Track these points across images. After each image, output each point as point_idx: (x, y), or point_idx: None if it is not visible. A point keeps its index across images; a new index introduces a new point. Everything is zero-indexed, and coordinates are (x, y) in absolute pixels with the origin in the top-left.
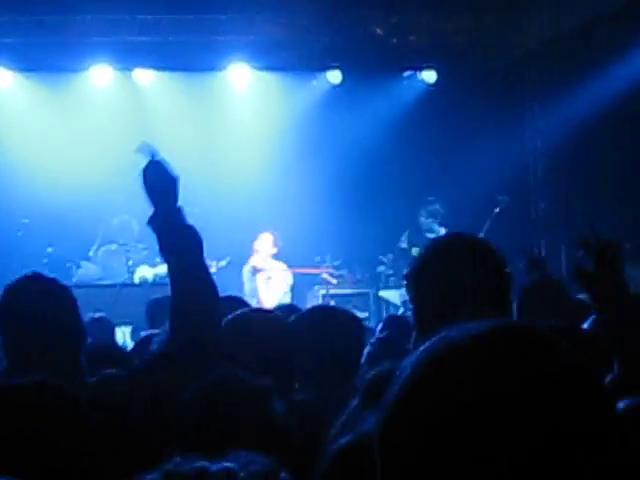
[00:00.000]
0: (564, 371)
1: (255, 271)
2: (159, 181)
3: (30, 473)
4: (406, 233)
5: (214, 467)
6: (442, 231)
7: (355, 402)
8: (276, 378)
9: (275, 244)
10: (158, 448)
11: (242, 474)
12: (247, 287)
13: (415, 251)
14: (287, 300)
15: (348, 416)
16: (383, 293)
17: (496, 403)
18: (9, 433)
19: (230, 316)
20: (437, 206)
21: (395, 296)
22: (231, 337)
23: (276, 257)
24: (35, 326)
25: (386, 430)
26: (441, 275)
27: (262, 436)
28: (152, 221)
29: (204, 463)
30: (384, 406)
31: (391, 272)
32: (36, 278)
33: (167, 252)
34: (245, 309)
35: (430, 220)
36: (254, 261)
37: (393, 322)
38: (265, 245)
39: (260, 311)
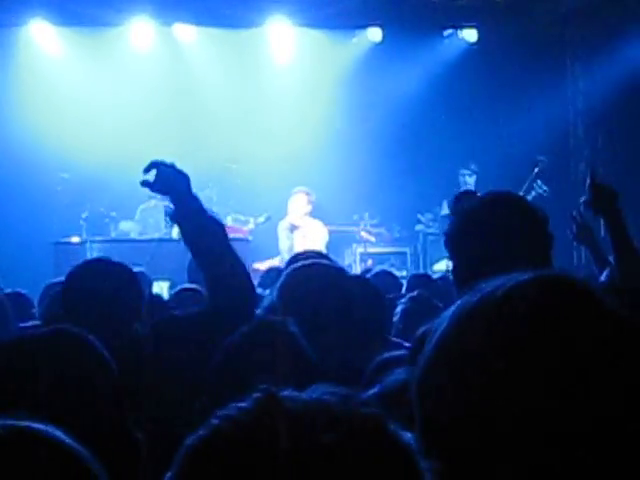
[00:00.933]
0: (612, 323)
1: (292, 228)
2: (171, 177)
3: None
4: (446, 200)
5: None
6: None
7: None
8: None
9: (309, 202)
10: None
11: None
12: (283, 244)
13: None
14: None
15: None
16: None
17: (535, 350)
18: (26, 379)
19: (289, 269)
20: (473, 166)
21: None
22: (291, 291)
23: (313, 215)
24: (98, 310)
25: (426, 377)
26: (482, 231)
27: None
28: (174, 216)
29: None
30: (424, 355)
31: (430, 231)
32: (100, 262)
33: (191, 240)
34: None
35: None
36: (290, 219)
37: (419, 280)
38: (299, 204)
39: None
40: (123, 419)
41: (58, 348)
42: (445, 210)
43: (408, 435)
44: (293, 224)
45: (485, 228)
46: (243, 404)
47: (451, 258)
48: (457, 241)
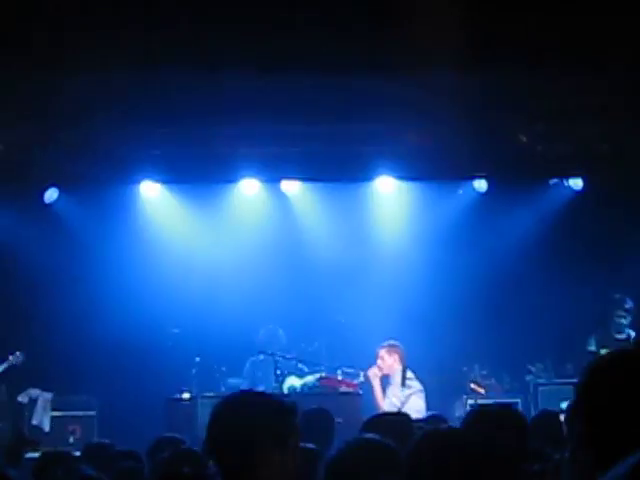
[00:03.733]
0: None
1: (387, 383)
2: None
3: None
4: (594, 335)
5: None
6: (631, 333)
7: None
8: None
9: (400, 357)
10: None
11: None
12: (385, 402)
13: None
14: (423, 412)
15: None
16: None
17: None
18: None
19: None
20: (630, 303)
21: None
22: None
23: (415, 372)
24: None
25: None
26: (619, 393)
27: None
28: None
29: None
30: None
31: (541, 381)
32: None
33: None
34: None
35: (624, 320)
36: (384, 373)
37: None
38: (393, 362)
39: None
40: None
41: None
42: (592, 346)
43: None
44: (388, 379)
45: (618, 390)
46: None
47: (580, 413)
48: (589, 398)
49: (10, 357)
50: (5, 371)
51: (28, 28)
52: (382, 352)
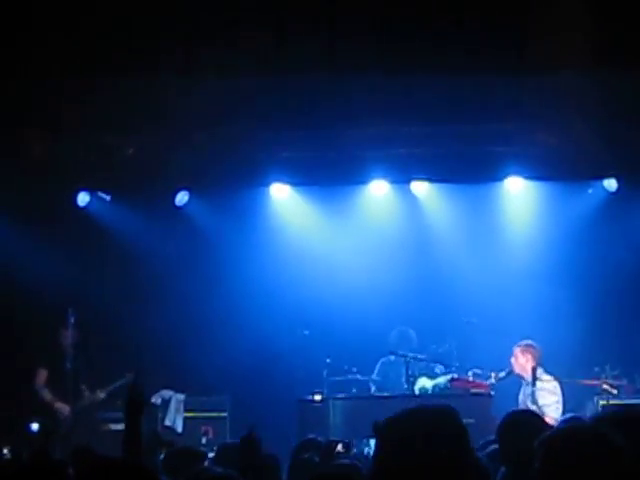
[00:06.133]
0: None
1: (524, 383)
2: None
3: None
4: None
5: None
6: None
7: None
8: None
9: (534, 357)
10: None
11: None
12: (520, 395)
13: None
14: (557, 412)
15: None
16: None
17: None
18: None
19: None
20: None
21: None
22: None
23: (547, 368)
24: None
25: None
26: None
27: None
28: None
29: None
30: None
31: None
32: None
33: None
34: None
35: None
36: (521, 373)
37: None
38: (525, 361)
39: None
40: None
41: None
42: None
43: None
44: (522, 379)
45: None
46: None
47: None
48: None
49: (127, 374)
50: (119, 387)
51: (157, 36)
52: (516, 351)
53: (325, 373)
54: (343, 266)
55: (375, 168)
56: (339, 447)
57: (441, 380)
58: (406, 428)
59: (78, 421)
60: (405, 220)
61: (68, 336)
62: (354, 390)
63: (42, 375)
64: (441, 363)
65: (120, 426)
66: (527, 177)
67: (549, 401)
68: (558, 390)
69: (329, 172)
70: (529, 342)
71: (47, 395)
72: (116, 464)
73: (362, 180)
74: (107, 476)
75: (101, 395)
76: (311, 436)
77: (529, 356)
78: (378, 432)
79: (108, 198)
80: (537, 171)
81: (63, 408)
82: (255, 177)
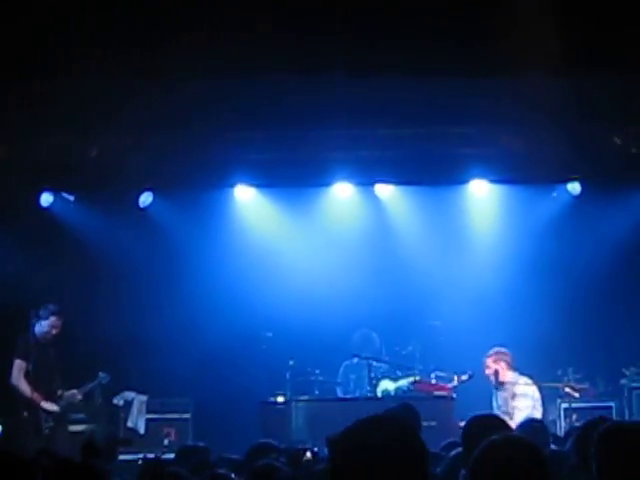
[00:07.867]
0: None
1: (498, 386)
2: None
3: None
4: None
5: None
6: None
7: None
8: None
9: (509, 366)
10: None
11: None
12: (493, 402)
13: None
14: (538, 413)
15: None
16: None
17: None
18: None
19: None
20: None
21: None
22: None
23: (519, 371)
24: None
25: None
26: None
27: None
28: None
29: None
30: None
31: (636, 385)
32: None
33: None
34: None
35: None
36: (495, 377)
37: None
38: (500, 369)
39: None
40: None
41: None
42: None
43: None
44: (498, 382)
45: None
46: None
47: None
48: None
49: (100, 374)
50: (92, 389)
51: (124, 38)
52: (488, 362)
53: (288, 375)
54: (307, 268)
55: (339, 170)
56: (307, 454)
57: (404, 383)
58: (358, 442)
59: (60, 422)
60: (369, 222)
61: (30, 337)
62: (317, 392)
63: (19, 367)
64: (404, 366)
65: (79, 427)
66: (492, 180)
67: (524, 405)
68: (537, 394)
69: (293, 174)
70: (498, 349)
71: (27, 389)
72: (72, 466)
73: (326, 182)
74: (64, 477)
75: (78, 396)
76: (263, 440)
77: (502, 364)
78: (331, 446)
79: (72, 199)
80: (501, 174)
81: (50, 407)
82: (219, 178)
